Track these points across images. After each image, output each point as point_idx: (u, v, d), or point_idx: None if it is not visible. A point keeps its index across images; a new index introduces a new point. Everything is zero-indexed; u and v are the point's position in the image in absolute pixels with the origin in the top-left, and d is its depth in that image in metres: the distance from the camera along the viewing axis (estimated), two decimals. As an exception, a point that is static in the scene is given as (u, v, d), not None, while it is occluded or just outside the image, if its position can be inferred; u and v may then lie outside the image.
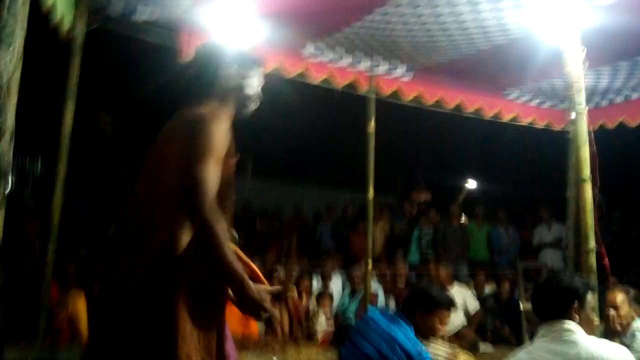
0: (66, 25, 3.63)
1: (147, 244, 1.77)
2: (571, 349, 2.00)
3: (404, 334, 2.51)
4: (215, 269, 1.74)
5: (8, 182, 2.03)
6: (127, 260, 1.82)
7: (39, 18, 3.04)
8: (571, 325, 2.07)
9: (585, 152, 2.94)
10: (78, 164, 4.27)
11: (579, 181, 2.95)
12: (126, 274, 1.78)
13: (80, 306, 4.71)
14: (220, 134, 1.80)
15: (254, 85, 2.07)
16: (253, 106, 2.10)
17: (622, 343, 2.69)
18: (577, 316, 2.08)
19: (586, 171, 2.90)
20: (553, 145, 6.19)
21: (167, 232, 1.75)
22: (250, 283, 1.76)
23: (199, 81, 1.99)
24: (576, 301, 2.10)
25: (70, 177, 3.68)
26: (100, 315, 1.86)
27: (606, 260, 2.91)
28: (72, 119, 3.72)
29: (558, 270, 6.67)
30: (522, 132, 6.12)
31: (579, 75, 3.11)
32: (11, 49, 2.11)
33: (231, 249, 1.76)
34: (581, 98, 3.10)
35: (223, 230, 1.71)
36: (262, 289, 1.82)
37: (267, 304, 1.80)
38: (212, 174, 1.73)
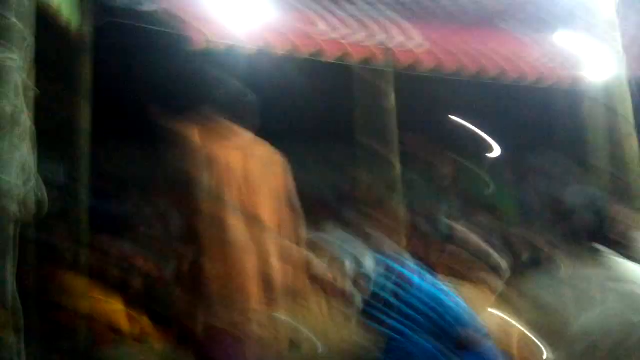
0: (74, 23, 3.59)
1: None
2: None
3: (454, 301, 2.44)
4: None
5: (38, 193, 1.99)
6: None
7: (47, 18, 2.99)
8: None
9: (627, 102, 2.78)
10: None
11: (623, 136, 2.80)
12: None
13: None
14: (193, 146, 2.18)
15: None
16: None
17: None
18: None
19: (629, 119, 2.74)
20: (578, 102, 5.98)
21: None
22: None
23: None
24: None
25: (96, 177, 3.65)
26: None
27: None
28: (89, 119, 3.70)
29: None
30: (544, 91, 5.92)
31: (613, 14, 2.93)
32: (23, 54, 2.05)
33: None
34: (617, 41, 2.93)
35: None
36: None
37: None
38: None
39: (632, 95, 2.75)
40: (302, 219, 2.46)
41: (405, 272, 2.59)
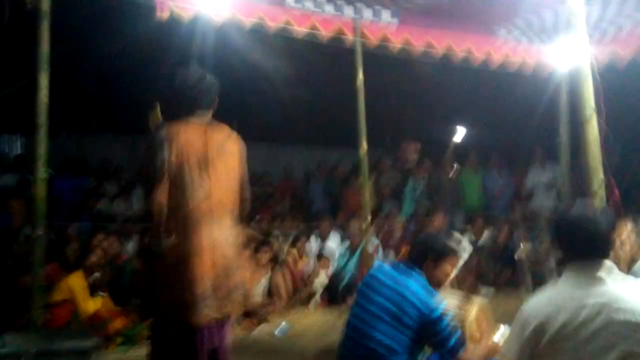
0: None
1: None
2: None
3: (417, 282, 2.46)
4: None
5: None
6: None
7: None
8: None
9: (588, 85, 2.83)
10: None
11: (584, 114, 2.85)
12: None
13: (79, 283, 4.59)
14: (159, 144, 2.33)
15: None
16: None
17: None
18: None
19: (591, 103, 2.80)
20: (544, 86, 6.09)
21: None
22: None
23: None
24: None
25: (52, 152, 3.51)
26: None
27: (616, 192, 2.85)
28: (47, 90, 3.53)
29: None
30: (512, 75, 6.00)
31: (578, 3, 2.97)
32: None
33: None
34: (582, 29, 2.97)
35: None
36: None
37: None
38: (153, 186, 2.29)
39: (594, 79, 2.80)
40: (249, 198, 2.66)
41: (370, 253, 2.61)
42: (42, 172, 3.37)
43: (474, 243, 6.24)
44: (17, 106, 5.06)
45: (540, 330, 1.87)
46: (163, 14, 3.90)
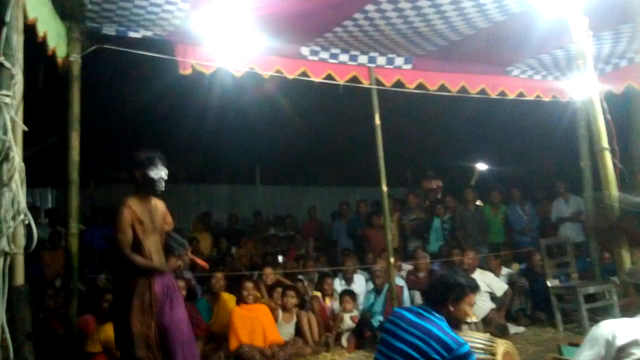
0: (62, 52, 3.62)
1: None
2: None
3: (438, 327, 2.45)
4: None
5: (25, 220, 2.03)
6: None
7: (34, 47, 3.02)
8: None
9: (600, 121, 2.87)
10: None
11: (597, 151, 2.88)
12: None
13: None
14: (122, 215, 3.27)
15: (156, 173, 3.37)
16: (161, 185, 3.40)
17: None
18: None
19: (604, 140, 2.83)
20: (560, 118, 6.12)
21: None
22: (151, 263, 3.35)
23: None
24: None
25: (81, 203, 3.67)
26: None
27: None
28: (78, 147, 3.70)
29: (581, 243, 6.63)
30: (527, 108, 6.04)
31: (584, 43, 3.04)
32: (11, 92, 2.08)
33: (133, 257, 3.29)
34: (589, 66, 3.03)
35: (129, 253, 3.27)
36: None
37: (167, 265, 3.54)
38: (119, 237, 3.27)
39: (605, 117, 2.84)
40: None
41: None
42: (74, 227, 3.51)
43: (505, 280, 6.14)
44: (48, 161, 5.28)
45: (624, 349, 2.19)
46: (186, 71, 4.10)
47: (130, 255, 3.22)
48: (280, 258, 7.09)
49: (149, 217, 3.42)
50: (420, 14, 3.97)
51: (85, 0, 3.51)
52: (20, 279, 2.12)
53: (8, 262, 2.03)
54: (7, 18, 2.11)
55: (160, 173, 3.38)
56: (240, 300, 5.02)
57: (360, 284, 6.21)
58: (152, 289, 3.23)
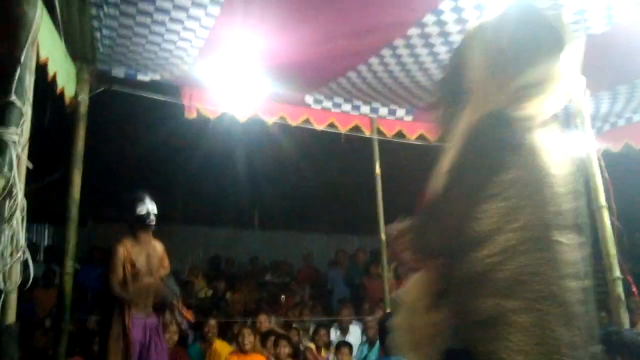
0: (70, 92, 3.68)
1: None
2: None
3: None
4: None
5: (22, 257, 2.02)
6: None
7: (43, 86, 3.07)
8: None
9: (598, 180, 2.90)
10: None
11: (595, 209, 2.90)
12: None
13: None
14: (115, 253, 3.58)
15: (143, 210, 3.62)
16: (151, 218, 3.64)
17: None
18: None
19: (601, 199, 2.85)
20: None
21: None
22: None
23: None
24: None
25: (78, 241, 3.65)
26: None
27: (634, 288, 2.82)
28: (79, 186, 3.71)
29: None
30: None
31: (582, 103, 3.11)
32: (20, 129, 2.11)
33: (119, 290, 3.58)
34: (587, 126, 3.09)
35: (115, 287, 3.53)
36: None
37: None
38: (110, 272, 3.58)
39: (603, 177, 2.87)
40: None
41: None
42: (69, 265, 3.48)
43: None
44: (47, 197, 5.29)
45: None
46: (191, 115, 4.17)
47: (116, 287, 3.39)
48: (282, 297, 7.07)
49: (145, 258, 3.42)
50: (422, 69, 4.06)
51: (98, 43, 3.60)
52: (12, 317, 2.09)
53: (1, 299, 2.01)
54: (22, 58, 2.15)
55: (147, 207, 3.51)
56: (236, 348, 4.91)
57: (355, 335, 6.10)
58: (128, 334, 3.24)
